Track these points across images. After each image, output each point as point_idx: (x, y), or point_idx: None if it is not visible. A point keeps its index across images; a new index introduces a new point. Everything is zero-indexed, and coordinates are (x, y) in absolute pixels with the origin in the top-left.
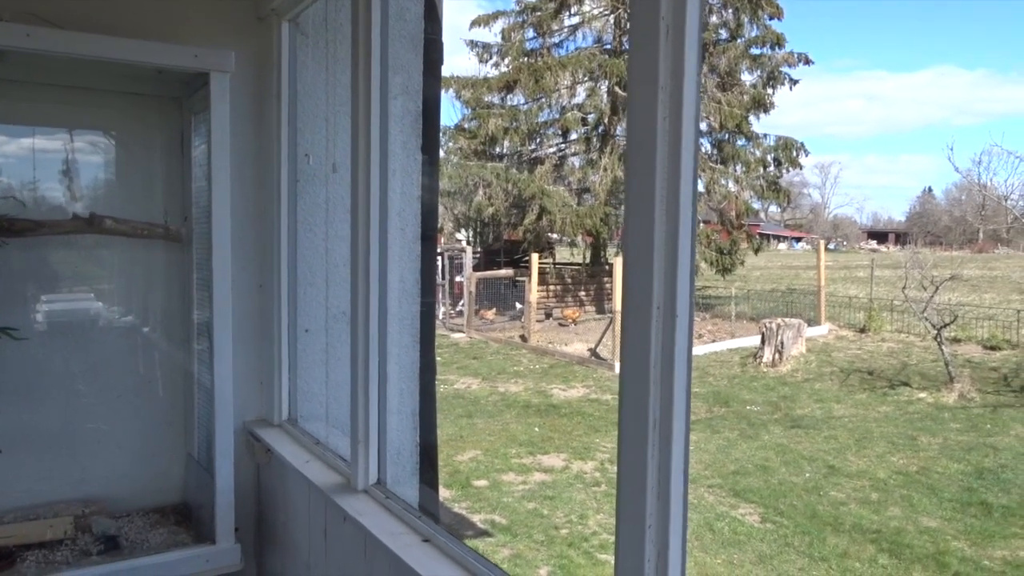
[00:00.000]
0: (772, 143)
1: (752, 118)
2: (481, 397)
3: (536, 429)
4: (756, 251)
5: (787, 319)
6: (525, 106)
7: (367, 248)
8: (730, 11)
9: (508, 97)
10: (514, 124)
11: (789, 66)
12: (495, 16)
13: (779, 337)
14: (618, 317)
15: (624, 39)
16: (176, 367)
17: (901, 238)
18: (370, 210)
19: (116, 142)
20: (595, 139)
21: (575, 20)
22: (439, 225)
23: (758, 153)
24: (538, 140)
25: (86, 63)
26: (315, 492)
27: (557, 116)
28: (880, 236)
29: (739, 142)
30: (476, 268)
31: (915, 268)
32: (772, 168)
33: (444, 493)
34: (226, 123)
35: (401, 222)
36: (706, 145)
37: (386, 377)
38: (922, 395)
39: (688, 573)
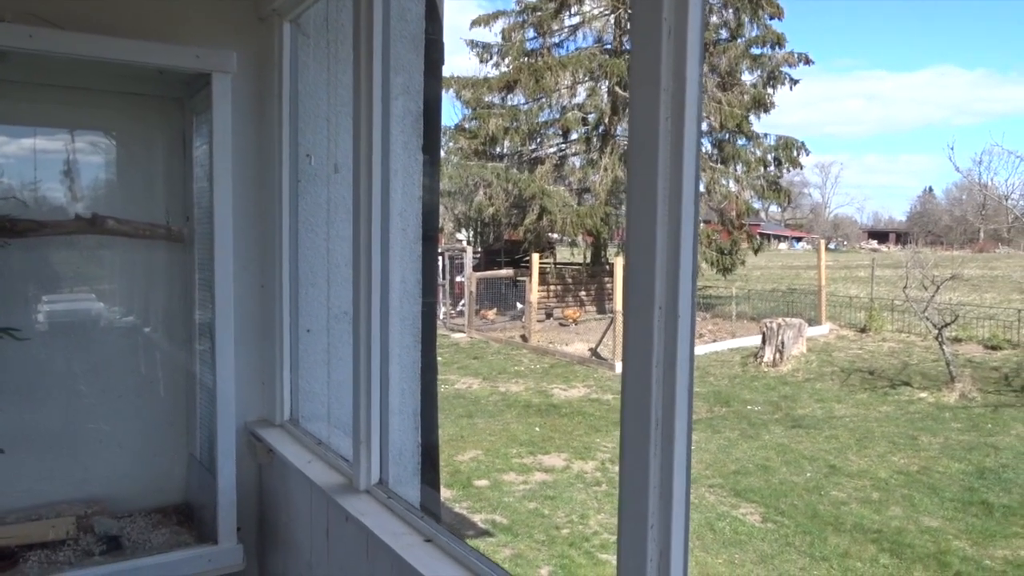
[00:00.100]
0: (772, 143)
1: (752, 118)
2: (482, 397)
3: (537, 429)
4: (756, 251)
5: (788, 319)
6: (525, 106)
7: (369, 248)
8: (730, 11)
9: (508, 97)
10: (514, 124)
11: (789, 66)
12: (495, 16)
13: (780, 337)
14: (619, 317)
15: (624, 39)
16: (178, 367)
17: (902, 238)
18: (372, 210)
19: (117, 142)
20: (595, 139)
21: (575, 20)
22: (440, 225)
23: (758, 153)
24: (538, 140)
25: (87, 64)
26: (317, 492)
27: (557, 116)
28: (881, 236)
29: (739, 142)
30: (476, 268)
31: (916, 268)
32: (772, 168)
33: (445, 493)
34: (228, 123)
35: (403, 222)
36: (707, 145)
37: (388, 377)
38: (923, 395)
39: (690, 573)
